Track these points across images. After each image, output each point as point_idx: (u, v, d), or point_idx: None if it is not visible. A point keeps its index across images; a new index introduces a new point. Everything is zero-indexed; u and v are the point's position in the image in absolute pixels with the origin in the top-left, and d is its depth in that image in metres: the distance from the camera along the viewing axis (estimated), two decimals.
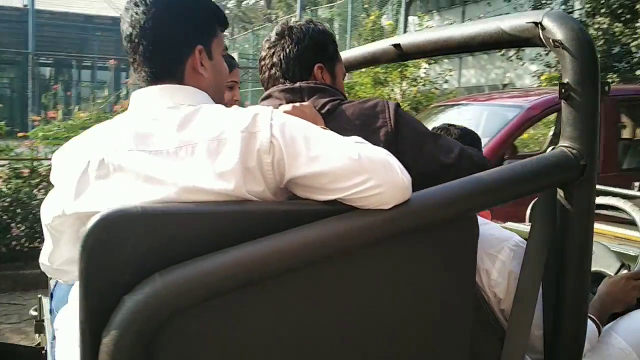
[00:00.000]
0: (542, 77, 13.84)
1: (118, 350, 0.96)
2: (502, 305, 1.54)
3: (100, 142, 1.20)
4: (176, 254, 1.02)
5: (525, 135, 6.47)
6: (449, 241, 1.25)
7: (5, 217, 5.07)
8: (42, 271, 1.40)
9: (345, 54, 2.16)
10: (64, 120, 5.91)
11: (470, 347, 1.28)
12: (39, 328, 1.99)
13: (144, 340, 0.97)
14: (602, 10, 15.84)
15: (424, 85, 9.93)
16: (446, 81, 10.77)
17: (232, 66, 2.21)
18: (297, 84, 1.57)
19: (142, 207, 1.04)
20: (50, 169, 2.17)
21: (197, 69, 1.28)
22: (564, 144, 1.41)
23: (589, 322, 1.55)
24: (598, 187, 1.77)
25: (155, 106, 1.22)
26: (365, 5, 19.15)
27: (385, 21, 11.94)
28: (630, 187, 2.99)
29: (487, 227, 1.59)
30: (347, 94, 6.61)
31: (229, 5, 37.94)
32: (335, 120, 1.44)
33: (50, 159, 2.86)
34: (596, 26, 15.84)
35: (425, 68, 9.73)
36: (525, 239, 1.49)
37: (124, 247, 1.00)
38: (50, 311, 1.75)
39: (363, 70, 8.79)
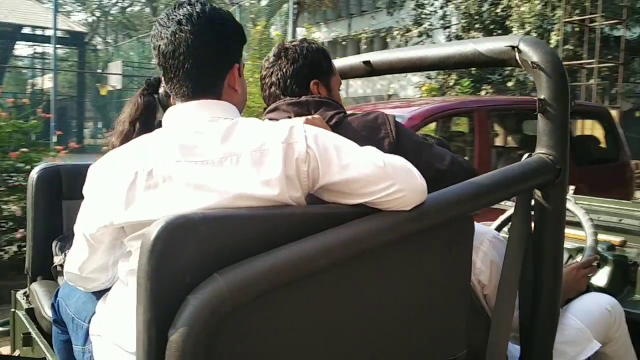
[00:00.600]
0: (423, 88, 14.52)
1: (186, 346, 1.02)
2: (486, 291, 1.73)
3: (145, 154, 1.26)
4: (231, 255, 1.10)
5: None
6: (454, 237, 1.41)
7: None
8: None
9: None
10: None
11: (466, 323, 1.46)
12: (28, 341, 1.98)
13: (208, 336, 1.04)
14: (477, 26, 16.89)
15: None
16: None
17: None
18: (303, 98, 1.71)
19: (202, 214, 1.12)
20: None
21: (233, 85, 1.38)
22: (540, 151, 1.61)
23: None
24: None
25: (196, 120, 1.31)
26: (252, 15, 19.14)
27: (274, 31, 12.00)
28: None
29: None
30: None
31: (112, 12, 36.58)
32: (343, 131, 1.50)
33: None
34: None
35: None
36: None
37: (186, 251, 1.08)
38: (55, 321, 1.76)
39: (251, 79, 8.77)
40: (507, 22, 14.97)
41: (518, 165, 1.58)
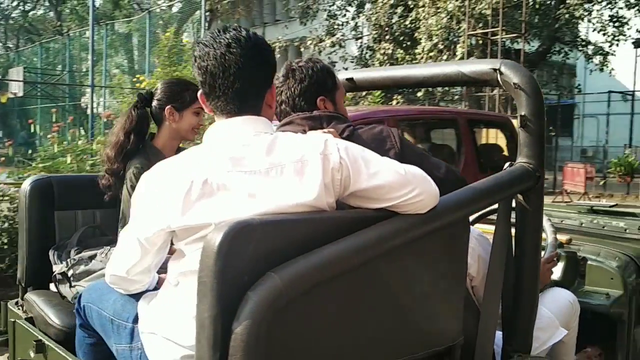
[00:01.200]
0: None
1: (249, 338, 1.15)
2: (474, 282, 1.88)
3: (197, 165, 1.41)
4: (280, 255, 1.25)
5: None
6: (455, 235, 1.59)
7: None
8: None
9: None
10: None
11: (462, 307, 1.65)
12: (40, 348, 2.01)
13: (267, 327, 1.17)
14: (387, 37, 17.34)
15: None
16: None
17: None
18: (316, 113, 1.89)
19: (259, 219, 1.28)
20: None
21: (270, 103, 1.54)
22: (522, 160, 1.81)
23: None
24: None
25: (242, 134, 1.44)
26: (160, 22, 18.69)
27: (185, 39, 11.75)
28: None
29: None
30: None
31: (13, 15, 34.67)
32: (355, 143, 1.61)
33: None
34: (382, 51, 17.28)
35: None
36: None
37: (245, 252, 1.22)
38: (81, 326, 1.83)
39: None
40: (416, 34, 15.45)
41: (505, 173, 1.78)
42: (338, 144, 1.42)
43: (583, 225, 3.23)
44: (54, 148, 6.05)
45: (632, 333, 2.45)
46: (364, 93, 15.13)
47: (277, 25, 27.07)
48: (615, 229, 3.22)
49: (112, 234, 2.38)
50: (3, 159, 7.42)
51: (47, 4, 33.82)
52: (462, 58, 13.66)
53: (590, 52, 17.24)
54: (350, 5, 18.64)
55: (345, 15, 18.55)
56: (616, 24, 16.17)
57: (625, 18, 16.12)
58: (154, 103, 2.44)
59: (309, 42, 18.18)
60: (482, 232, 1.97)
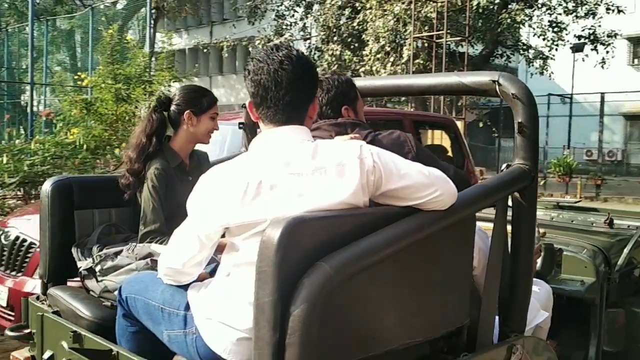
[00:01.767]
0: None
1: (306, 318, 1.35)
2: (475, 272, 2.02)
3: (252, 168, 1.61)
4: (326, 247, 1.44)
5: None
6: (465, 229, 1.79)
7: None
8: None
9: None
10: None
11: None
12: (77, 339, 2.07)
13: (321, 308, 1.37)
14: (335, 38, 17.43)
15: None
16: None
17: (215, 100, 2.69)
18: (341, 120, 2.11)
19: (310, 215, 1.48)
20: None
21: (311, 115, 1.75)
22: (519, 162, 1.99)
23: None
24: None
25: (290, 141, 1.65)
26: (103, 19, 18.23)
27: (129, 36, 11.49)
28: None
29: None
30: (87, 110, 6.21)
31: None
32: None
33: None
34: (330, 52, 17.37)
35: (169, 86, 9.54)
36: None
37: (300, 244, 1.41)
38: (124, 315, 1.97)
39: (103, 85, 8.33)
40: (364, 36, 15.59)
41: (506, 174, 1.98)
42: (371, 149, 1.61)
43: (554, 219, 3.49)
44: None
45: (603, 315, 2.74)
46: None
47: (224, 24, 26.82)
48: (583, 223, 3.58)
49: (127, 231, 2.56)
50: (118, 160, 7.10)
51: None
52: (408, 61, 13.87)
53: (531, 56, 17.82)
54: (298, 5, 18.66)
55: (293, 15, 18.56)
56: (555, 29, 16.75)
57: (563, 24, 16.71)
58: (173, 107, 2.61)
59: (257, 42, 18.09)
60: (481, 227, 2.11)
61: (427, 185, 1.61)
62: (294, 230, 1.39)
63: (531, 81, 21.86)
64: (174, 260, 1.76)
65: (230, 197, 1.58)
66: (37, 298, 2.46)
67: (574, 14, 16.51)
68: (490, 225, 1.94)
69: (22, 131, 11.63)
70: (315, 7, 18.14)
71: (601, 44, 17.40)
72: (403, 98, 16.37)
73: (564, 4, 16.52)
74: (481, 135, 23.46)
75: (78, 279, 2.37)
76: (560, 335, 2.35)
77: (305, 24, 18.43)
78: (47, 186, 2.46)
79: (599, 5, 16.42)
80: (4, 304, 3.60)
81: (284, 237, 1.37)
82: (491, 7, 15.82)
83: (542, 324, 2.32)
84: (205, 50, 24.26)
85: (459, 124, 8.46)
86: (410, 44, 13.98)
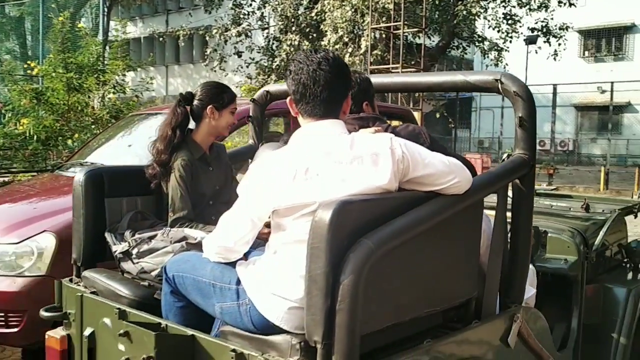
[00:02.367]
0: (242, 88, 14.56)
1: (353, 287, 1.56)
2: (479, 251, 2.20)
3: (298, 157, 1.82)
4: (367, 225, 1.66)
5: (229, 143, 6.63)
6: (475, 212, 2.03)
7: None
8: None
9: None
10: None
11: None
12: (123, 315, 2.18)
13: (365, 278, 1.58)
14: (293, 29, 17.35)
15: (124, 92, 9.55)
16: (147, 89, 10.50)
17: (234, 95, 2.89)
18: (363, 114, 2.36)
19: (354, 198, 1.70)
20: None
21: (345, 110, 1.98)
22: (519, 152, 2.22)
23: None
24: None
25: (329, 133, 1.87)
26: (53, 5, 17.69)
27: (81, 24, 11.18)
28: None
29: None
30: (38, 100, 6.07)
31: None
32: None
33: None
34: (289, 42, 17.28)
35: (124, 75, 9.34)
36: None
37: (347, 223, 1.62)
38: (172, 292, 2.14)
39: (54, 74, 8.09)
40: (322, 27, 15.57)
41: (508, 162, 2.21)
42: (399, 141, 1.82)
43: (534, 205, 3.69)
44: None
45: (584, 290, 3.06)
46: (271, 84, 15.11)
47: (181, 12, 26.42)
48: (561, 208, 4.00)
49: (153, 218, 2.75)
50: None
51: None
52: (366, 51, 13.92)
53: (486, 47, 18.10)
54: None
55: (251, 5, 18.38)
56: (509, 22, 17.05)
57: (517, 16, 17.03)
58: (195, 102, 2.79)
59: (214, 31, 17.87)
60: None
61: (447, 173, 1.84)
62: (341, 211, 1.60)
63: None
64: (226, 239, 1.95)
65: (280, 182, 1.79)
66: (71, 280, 2.58)
67: (528, 6, 16.83)
68: (491, 212, 2.16)
69: None
70: None
71: (553, 36, 17.83)
72: None
73: None
74: (438, 126, 23.77)
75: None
76: (544, 310, 2.55)
77: (263, 13, 18.27)
78: (80, 176, 2.61)
79: None
80: None
81: (334, 217, 1.58)
82: None
83: (529, 299, 2.51)
84: (161, 39, 23.78)
85: (416, 115, 8.56)
86: (368, 35, 14.03)
